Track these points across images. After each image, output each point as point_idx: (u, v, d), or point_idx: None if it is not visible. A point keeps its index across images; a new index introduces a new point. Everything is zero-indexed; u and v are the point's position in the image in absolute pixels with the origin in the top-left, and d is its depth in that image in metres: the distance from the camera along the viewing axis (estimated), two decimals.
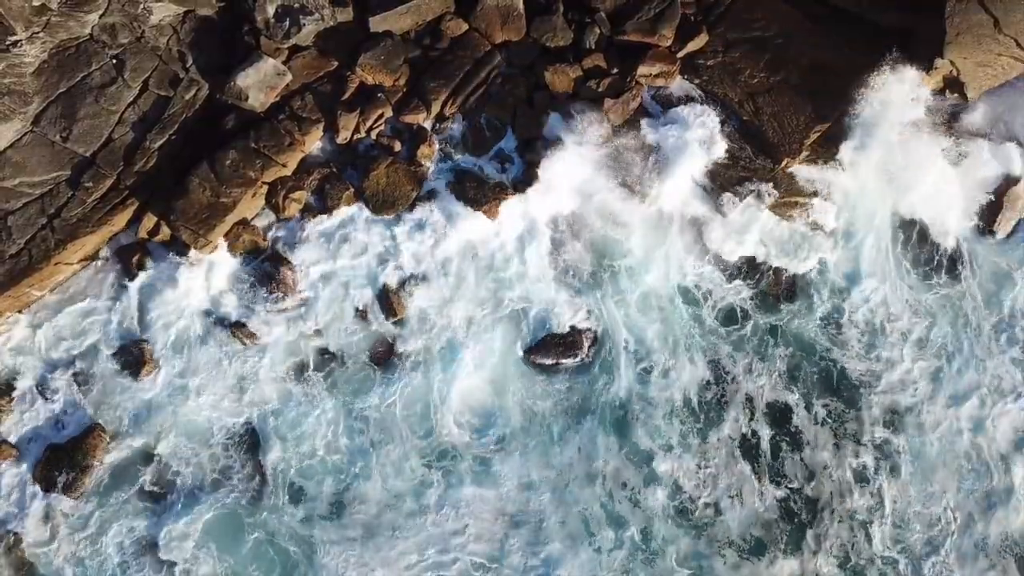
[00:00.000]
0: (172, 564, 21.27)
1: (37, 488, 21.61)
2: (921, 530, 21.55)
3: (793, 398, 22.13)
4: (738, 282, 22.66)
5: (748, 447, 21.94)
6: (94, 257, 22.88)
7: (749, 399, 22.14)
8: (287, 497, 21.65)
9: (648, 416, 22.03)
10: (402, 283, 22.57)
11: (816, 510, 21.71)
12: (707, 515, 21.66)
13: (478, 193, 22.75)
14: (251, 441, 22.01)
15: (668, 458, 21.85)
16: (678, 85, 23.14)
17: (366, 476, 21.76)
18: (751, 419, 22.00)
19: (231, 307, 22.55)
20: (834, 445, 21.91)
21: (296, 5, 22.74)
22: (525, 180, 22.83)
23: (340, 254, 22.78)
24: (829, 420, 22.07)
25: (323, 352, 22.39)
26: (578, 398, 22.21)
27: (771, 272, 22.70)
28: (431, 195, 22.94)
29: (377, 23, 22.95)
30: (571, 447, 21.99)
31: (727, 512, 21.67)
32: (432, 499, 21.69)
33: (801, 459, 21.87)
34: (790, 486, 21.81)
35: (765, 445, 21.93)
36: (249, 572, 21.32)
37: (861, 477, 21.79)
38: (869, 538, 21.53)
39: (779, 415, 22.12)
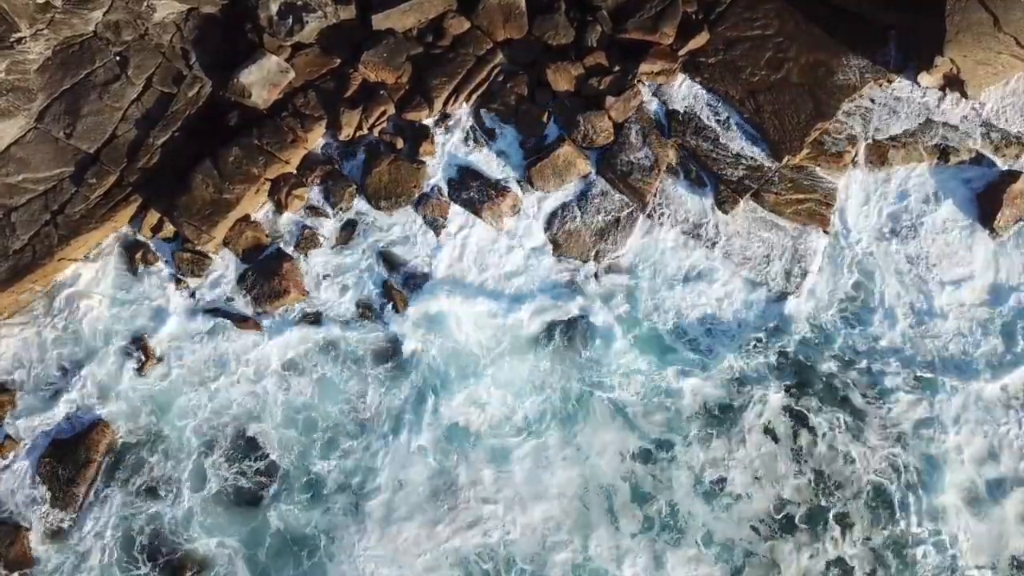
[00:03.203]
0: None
1: (40, 482, 21.66)
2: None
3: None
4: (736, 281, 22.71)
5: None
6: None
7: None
8: (301, 486, 21.68)
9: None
10: (405, 278, 22.65)
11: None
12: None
13: (480, 191, 22.84)
14: (256, 436, 22.08)
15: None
16: (679, 83, 23.27)
17: (378, 466, 21.77)
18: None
19: (235, 302, 22.68)
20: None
21: (299, 3, 22.85)
22: (527, 178, 22.92)
23: (342, 249, 22.88)
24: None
25: (326, 346, 22.44)
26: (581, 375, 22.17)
27: (777, 269, 22.70)
28: (433, 192, 23.03)
29: (380, 21, 23.08)
30: (581, 421, 21.90)
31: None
32: (449, 485, 21.63)
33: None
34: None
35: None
36: (266, 560, 21.37)
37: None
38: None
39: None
